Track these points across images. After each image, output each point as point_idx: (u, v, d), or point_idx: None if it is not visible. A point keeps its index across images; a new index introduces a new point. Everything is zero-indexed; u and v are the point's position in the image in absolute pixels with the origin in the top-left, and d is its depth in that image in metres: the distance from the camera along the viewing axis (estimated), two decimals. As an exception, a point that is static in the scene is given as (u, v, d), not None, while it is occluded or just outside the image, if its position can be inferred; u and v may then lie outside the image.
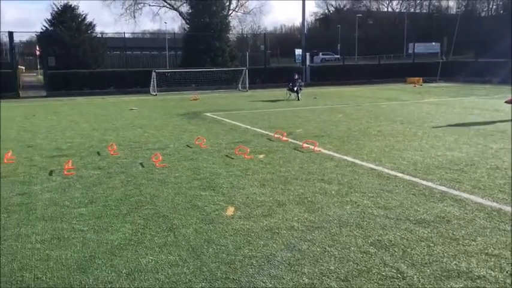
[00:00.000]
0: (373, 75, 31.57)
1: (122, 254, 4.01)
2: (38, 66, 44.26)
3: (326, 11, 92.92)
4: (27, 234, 4.49)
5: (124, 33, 30.92)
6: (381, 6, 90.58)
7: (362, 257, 3.89)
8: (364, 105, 16.55)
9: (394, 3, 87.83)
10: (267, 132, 10.66)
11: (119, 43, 34.78)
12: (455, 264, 3.73)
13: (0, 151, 8.69)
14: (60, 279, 3.55)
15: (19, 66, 34.15)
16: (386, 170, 6.80)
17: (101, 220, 4.88)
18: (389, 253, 3.95)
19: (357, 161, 7.49)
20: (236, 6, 57.00)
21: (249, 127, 11.58)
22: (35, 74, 45.11)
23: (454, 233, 4.38)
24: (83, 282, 3.51)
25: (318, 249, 4.04)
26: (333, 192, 5.77)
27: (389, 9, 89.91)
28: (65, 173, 6.95)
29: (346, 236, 4.33)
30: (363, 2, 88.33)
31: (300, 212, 5.02)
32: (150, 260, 3.87)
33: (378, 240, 4.23)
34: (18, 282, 3.52)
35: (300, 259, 3.85)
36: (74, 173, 6.93)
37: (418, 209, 5.05)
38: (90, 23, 30.81)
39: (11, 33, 25.89)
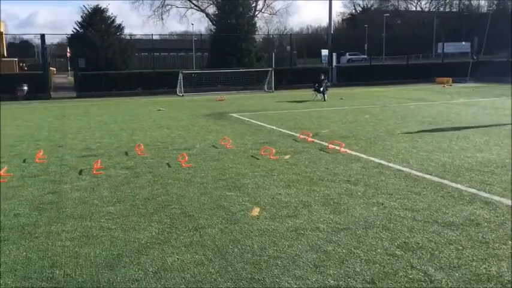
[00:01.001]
0: (401, 75, 31.10)
1: (148, 252, 4.06)
2: (69, 68, 45.27)
3: (353, 10, 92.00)
4: (58, 232, 4.60)
5: (152, 34, 31.43)
6: (409, 6, 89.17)
7: (388, 259, 3.84)
8: (392, 106, 16.34)
9: (423, 2, 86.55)
10: (292, 133, 10.63)
11: (147, 45, 35.29)
12: (485, 268, 3.65)
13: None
14: (88, 276, 3.63)
15: (50, 68, 35.04)
16: (414, 172, 6.70)
17: (128, 219, 4.96)
18: (416, 256, 3.89)
19: (383, 162, 7.40)
20: (262, 7, 56.98)
21: (274, 128, 11.58)
22: (65, 75, 46.17)
23: (484, 236, 4.28)
24: (110, 279, 3.58)
25: (344, 251, 4.01)
26: (359, 193, 5.72)
27: (418, 9, 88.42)
28: (94, 172, 7.09)
29: (372, 238, 4.29)
30: (391, 2, 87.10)
31: (326, 213, 5.00)
32: (176, 259, 3.91)
33: (404, 242, 4.18)
34: (49, 279, 3.60)
35: (325, 260, 3.83)
36: (102, 173, 7.07)
37: (447, 212, 4.96)
38: (119, 25, 31.34)
39: (43, 36, 26.55)
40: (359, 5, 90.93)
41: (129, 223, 4.83)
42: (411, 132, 10.27)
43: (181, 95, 24.93)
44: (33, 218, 5.04)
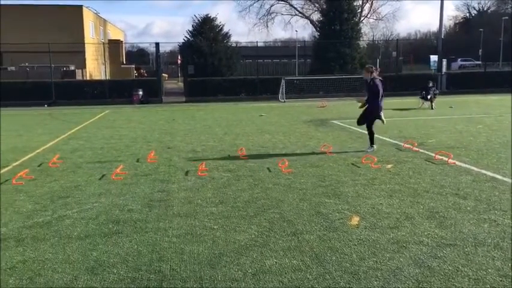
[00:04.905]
0: (520, 82, 28.56)
1: (248, 254, 4.17)
2: (179, 74, 47.97)
3: (467, 14, 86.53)
4: (165, 228, 4.89)
5: (257, 42, 32.20)
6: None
7: (501, 280, 3.55)
8: (508, 116, 15.06)
9: (549, 2, 78.27)
10: (396, 142, 10.26)
11: (252, 52, 36.30)
12: None
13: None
14: (192, 272, 3.81)
15: (163, 74, 37.43)
16: (533, 188, 6.12)
17: (229, 220, 5.13)
18: (533, 280, 3.55)
19: (497, 176, 6.85)
20: (368, 13, 55.57)
21: (377, 136, 11.23)
22: (176, 81, 49.03)
23: None
24: (212, 277, 3.73)
25: (450, 268, 3.78)
26: (468, 208, 5.36)
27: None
28: (199, 173, 7.43)
29: (482, 256, 3.99)
30: (510, 4, 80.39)
31: (430, 227, 4.75)
32: (274, 263, 3.96)
33: (520, 264, 3.83)
34: (157, 272, 3.85)
35: (429, 276, 3.65)
36: (206, 174, 7.39)
37: None
38: (226, 33, 32.55)
39: (157, 44, 28.47)
40: (474, 7, 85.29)
41: (230, 224, 4.99)
42: (531, 145, 9.39)
43: (282, 101, 25.22)
44: (144, 214, 5.42)
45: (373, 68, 9.30)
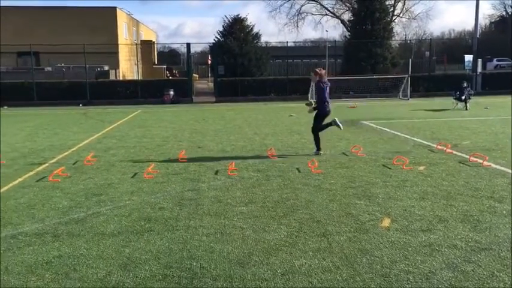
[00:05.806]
0: (560, 83, 27.59)
1: (277, 254, 4.17)
2: (209, 74, 48.37)
3: (503, 12, 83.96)
4: (196, 227, 4.95)
5: (287, 42, 32.21)
6: None
7: (538, 287, 3.45)
8: (547, 117, 14.57)
9: None
10: (428, 143, 10.08)
11: (282, 52, 36.25)
12: None
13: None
14: (222, 271, 3.84)
15: (193, 74, 37.82)
16: None
17: (259, 220, 5.14)
18: None
19: (535, 179, 6.64)
20: (401, 12, 54.52)
21: (409, 137, 11.08)
22: (206, 81, 49.44)
23: None
24: (241, 276, 3.75)
25: (485, 273, 3.70)
26: (504, 212, 5.22)
27: None
28: (229, 173, 7.48)
29: (518, 262, 3.89)
30: (550, 1, 77.62)
31: (464, 231, 4.65)
32: (304, 263, 3.96)
33: (559, 271, 3.71)
34: (187, 269, 3.90)
35: (462, 281, 3.57)
36: (236, 174, 7.43)
37: None
38: (256, 34, 32.64)
39: (188, 45, 28.82)
40: (511, 6, 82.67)
41: (260, 224, 5.00)
42: None
43: (312, 101, 25.10)
44: (175, 212, 5.49)
45: (321, 70, 9.21)
